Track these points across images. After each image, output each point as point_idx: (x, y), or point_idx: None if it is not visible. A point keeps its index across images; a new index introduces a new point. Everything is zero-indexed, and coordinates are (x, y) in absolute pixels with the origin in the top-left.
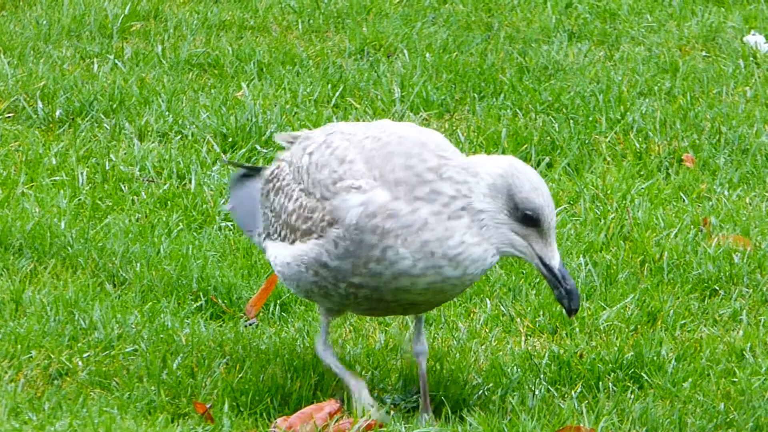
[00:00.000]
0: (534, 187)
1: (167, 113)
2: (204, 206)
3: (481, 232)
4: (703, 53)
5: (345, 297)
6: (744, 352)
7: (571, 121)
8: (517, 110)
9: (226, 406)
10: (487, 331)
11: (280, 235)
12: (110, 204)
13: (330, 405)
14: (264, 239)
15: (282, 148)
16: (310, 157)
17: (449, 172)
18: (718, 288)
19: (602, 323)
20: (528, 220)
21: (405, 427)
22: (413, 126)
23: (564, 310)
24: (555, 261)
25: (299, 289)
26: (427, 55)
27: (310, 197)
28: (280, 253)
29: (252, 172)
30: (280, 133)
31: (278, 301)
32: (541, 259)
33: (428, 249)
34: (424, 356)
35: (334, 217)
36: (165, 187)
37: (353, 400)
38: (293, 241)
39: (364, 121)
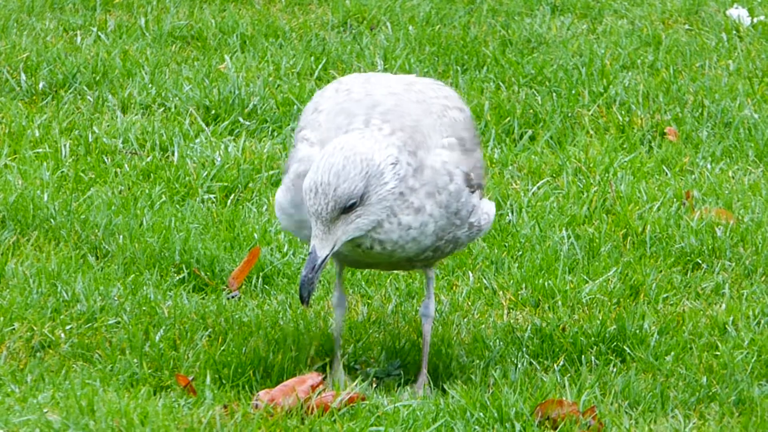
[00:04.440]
0: (314, 169)
1: (150, 85)
2: (187, 178)
3: None
4: (686, 26)
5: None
6: (726, 326)
7: (554, 94)
8: (500, 83)
9: (209, 378)
10: (470, 304)
11: None
12: (93, 176)
13: (312, 378)
14: None
15: None
16: (311, 101)
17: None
18: (700, 261)
19: (585, 296)
20: None
21: (387, 400)
22: (422, 85)
23: None
24: (310, 247)
25: None
26: (410, 27)
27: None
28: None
29: None
30: None
31: (261, 274)
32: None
33: None
34: (426, 318)
35: (289, 164)
36: (148, 159)
37: (332, 370)
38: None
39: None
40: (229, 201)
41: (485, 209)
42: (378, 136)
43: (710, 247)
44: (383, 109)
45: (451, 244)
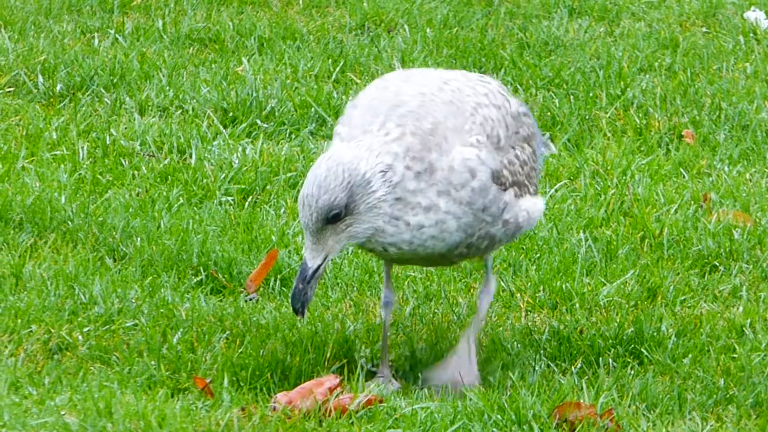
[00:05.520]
0: (304, 181)
1: (168, 88)
2: (204, 181)
3: None
4: (704, 29)
5: None
6: (744, 328)
7: (572, 97)
8: (518, 86)
9: (226, 381)
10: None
11: None
12: (111, 178)
13: (330, 380)
14: None
15: None
16: (356, 96)
17: None
18: (718, 264)
19: (602, 299)
20: None
21: (405, 402)
22: (460, 83)
23: None
24: (303, 256)
25: None
26: (428, 30)
27: None
28: None
29: None
30: None
31: (278, 276)
32: None
33: None
34: (487, 295)
35: None
36: (165, 161)
37: (379, 372)
38: None
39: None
40: (246, 203)
41: (524, 206)
42: (374, 143)
43: (727, 249)
44: (404, 111)
45: (485, 240)
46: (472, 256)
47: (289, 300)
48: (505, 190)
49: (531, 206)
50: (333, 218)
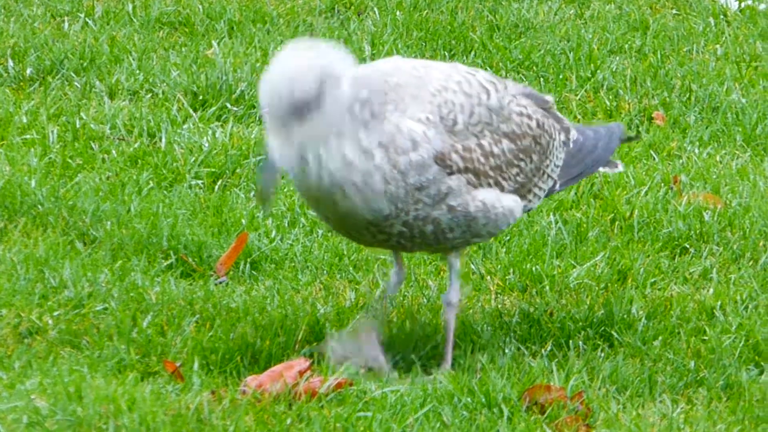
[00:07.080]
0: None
1: (138, 71)
2: (174, 164)
3: None
4: (674, 11)
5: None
6: (714, 311)
7: (542, 79)
8: (488, 68)
9: (196, 364)
10: None
11: None
12: (81, 162)
13: (300, 363)
14: None
15: None
16: None
17: None
18: (688, 246)
19: (572, 281)
20: None
21: (375, 386)
22: (439, 70)
23: None
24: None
25: None
26: (398, 13)
27: None
28: None
29: None
30: None
31: (248, 260)
32: None
33: None
34: (449, 307)
35: None
36: (135, 145)
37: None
38: None
39: None
40: (216, 187)
41: (481, 197)
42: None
43: (698, 231)
44: (376, 68)
45: (429, 224)
46: (423, 243)
47: (259, 188)
48: (450, 173)
49: (492, 199)
50: (300, 110)
